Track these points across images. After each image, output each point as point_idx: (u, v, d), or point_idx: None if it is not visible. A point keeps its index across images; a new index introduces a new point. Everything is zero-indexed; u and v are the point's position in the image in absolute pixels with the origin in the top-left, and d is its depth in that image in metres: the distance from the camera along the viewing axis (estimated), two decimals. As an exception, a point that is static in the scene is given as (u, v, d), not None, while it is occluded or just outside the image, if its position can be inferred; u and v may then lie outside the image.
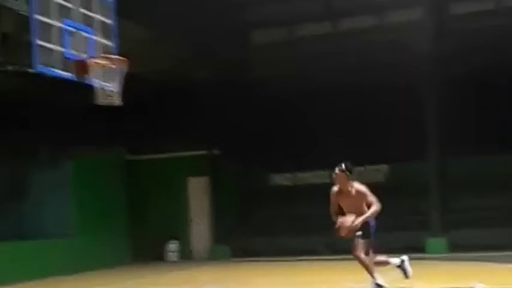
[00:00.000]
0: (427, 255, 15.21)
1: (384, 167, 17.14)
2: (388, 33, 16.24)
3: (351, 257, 9.19)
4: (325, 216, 17.07)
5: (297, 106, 17.22)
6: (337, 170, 9.09)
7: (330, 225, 16.54)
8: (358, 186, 9.15)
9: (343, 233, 9.01)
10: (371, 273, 9.12)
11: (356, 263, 9.41)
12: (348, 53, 16.51)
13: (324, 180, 17.65)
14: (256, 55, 18.01)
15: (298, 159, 17.36)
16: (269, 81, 17.49)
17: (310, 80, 16.85)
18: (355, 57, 16.44)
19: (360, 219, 8.90)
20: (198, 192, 18.62)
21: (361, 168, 17.07)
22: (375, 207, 9.01)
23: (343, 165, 9.04)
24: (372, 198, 9.09)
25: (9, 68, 9.21)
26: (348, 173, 9.04)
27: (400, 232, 16.16)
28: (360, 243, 9.03)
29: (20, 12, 8.90)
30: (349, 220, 8.95)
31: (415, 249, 15.42)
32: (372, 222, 9.18)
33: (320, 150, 16.88)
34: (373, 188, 8.93)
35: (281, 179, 18.18)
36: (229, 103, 17.08)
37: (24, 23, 8.84)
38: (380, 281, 9.08)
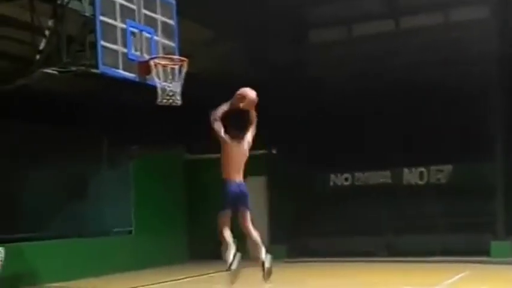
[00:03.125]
0: (491, 259, 14.81)
1: (447, 168, 16.71)
2: (452, 32, 15.83)
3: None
4: (383, 217, 16.94)
5: (355, 105, 16.93)
6: None
7: (388, 227, 16.14)
8: None
9: None
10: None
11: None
12: (410, 51, 16.14)
13: (383, 180, 17.47)
14: (315, 54, 17.84)
15: (356, 159, 17.10)
16: (328, 80, 17.29)
17: (369, 78, 16.56)
18: (417, 56, 16.07)
19: None
20: (255, 192, 18.37)
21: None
22: None
23: None
24: None
25: (73, 68, 9.36)
26: None
27: (463, 234, 15.79)
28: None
29: (84, 14, 9.05)
30: None
31: (479, 252, 15.07)
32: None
33: (379, 150, 16.61)
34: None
35: (339, 179, 17.98)
36: (287, 103, 16.97)
37: (88, 24, 8.98)
38: None
